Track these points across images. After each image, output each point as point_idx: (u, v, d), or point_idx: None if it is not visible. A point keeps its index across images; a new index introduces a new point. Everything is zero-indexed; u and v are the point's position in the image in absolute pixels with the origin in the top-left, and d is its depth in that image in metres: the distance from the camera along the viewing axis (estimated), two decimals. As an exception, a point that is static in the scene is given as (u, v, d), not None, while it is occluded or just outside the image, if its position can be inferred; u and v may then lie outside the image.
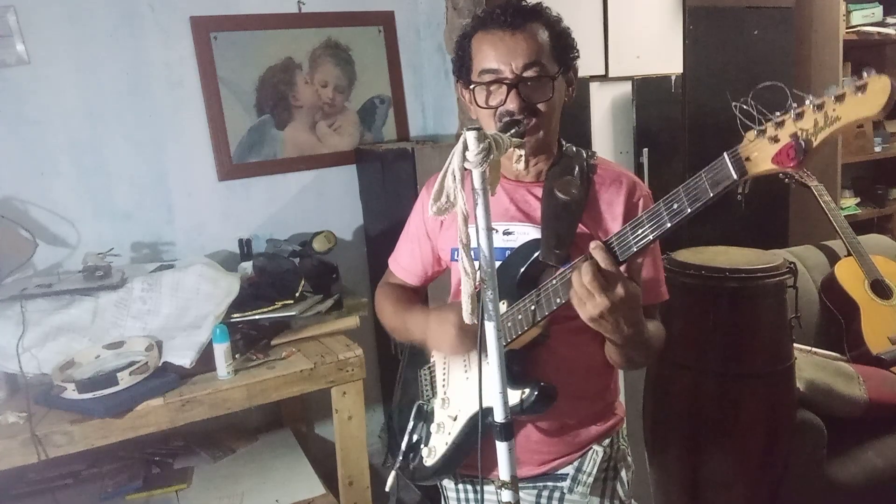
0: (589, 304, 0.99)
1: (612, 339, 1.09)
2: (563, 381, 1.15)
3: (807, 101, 0.81)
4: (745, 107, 0.86)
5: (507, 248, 1.21)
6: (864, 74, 0.76)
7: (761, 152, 0.85)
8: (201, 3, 2.44)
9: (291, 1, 2.59)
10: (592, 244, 1.01)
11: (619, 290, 0.98)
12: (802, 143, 0.81)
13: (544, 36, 1.19)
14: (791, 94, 0.82)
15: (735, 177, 0.88)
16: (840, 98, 0.77)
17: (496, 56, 1.17)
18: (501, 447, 0.96)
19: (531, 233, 1.22)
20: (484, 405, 1.01)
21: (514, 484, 0.96)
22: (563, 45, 1.22)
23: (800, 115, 0.81)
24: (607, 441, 1.30)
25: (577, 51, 1.25)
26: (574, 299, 1.01)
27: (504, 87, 1.17)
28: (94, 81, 2.33)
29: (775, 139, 0.83)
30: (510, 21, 1.17)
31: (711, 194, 0.90)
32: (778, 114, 0.84)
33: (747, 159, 0.87)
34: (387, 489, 1.32)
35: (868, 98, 0.75)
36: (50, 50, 2.25)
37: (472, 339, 1.16)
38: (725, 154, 0.89)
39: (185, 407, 1.87)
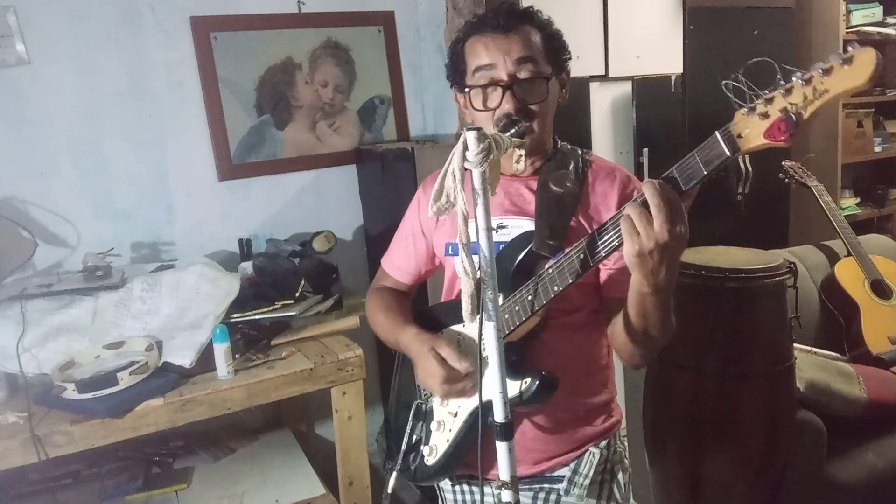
0: (645, 234, 0.92)
1: (645, 286, 1.00)
2: (560, 376, 1.15)
3: (794, 77, 0.83)
4: (735, 84, 0.87)
5: (501, 242, 1.21)
6: (850, 49, 0.78)
7: (752, 128, 0.87)
8: (201, 3, 2.44)
9: (291, 1, 2.59)
10: (657, 181, 0.94)
11: (681, 226, 0.93)
12: (793, 117, 0.83)
13: (537, 38, 1.20)
14: (780, 70, 0.84)
15: (728, 153, 0.89)
16: (827, 71, 0.80)
17: (489, 53, 1.18)
18: (501, 447, 0.96)
19: (524, 226, 1.22)
20: (485, 399, 1.01)
21: (514, 484, 0.96)
22: (555, 47, 1.23)
23: (788, 91, 0.83)
24: (604, 443, 1.30)
25: (570, 52, 1.26)
26: (627, 229, 0.94)
27: (499, 90, 1.17)
28: (94, 81, 2.32)
29: (765, 115, 0.85)
30: (502, 24, 1.18)
31: (705, 172, 0.91)
32: (766, 91, 0.85)
33: (739, 136, 0.88)
34: (388, 491, 1.31)
35: (855, 69, 0.78)
36: (50, 50, 2.25)
37: (459, 387, 1.18)
38: (717, 132, 0.90)
39: (185, 407, 1.87)
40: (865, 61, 0.77)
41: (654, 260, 0.94)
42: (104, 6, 2.30)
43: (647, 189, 0.93)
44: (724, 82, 0.87)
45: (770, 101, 0.85)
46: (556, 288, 1.08)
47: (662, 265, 0.95)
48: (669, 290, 1.01)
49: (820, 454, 1.97)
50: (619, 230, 0.97)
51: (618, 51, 2.91)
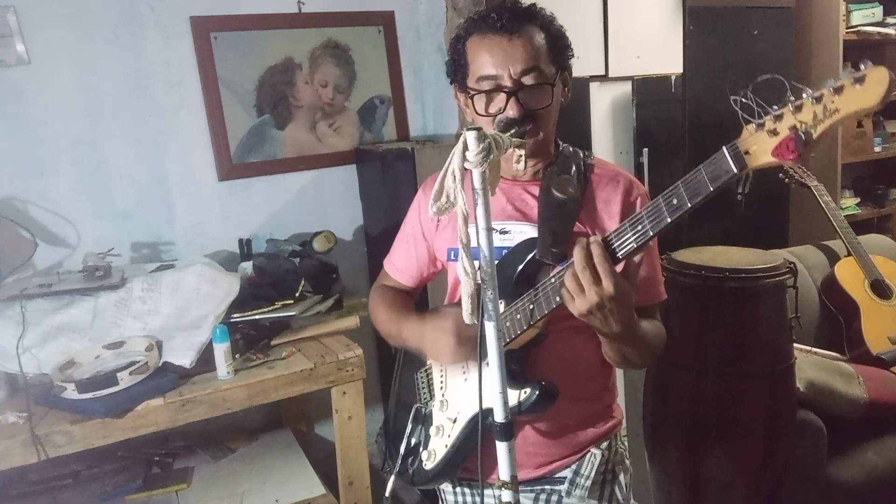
0: (578, 299, 1.00)
1: (604, 335, 1.10)
2: (561, 381, 1.15)
3: (805, 94, 0.81)
4: (744, 100, 0.86)
5: (504, 248, 1.21)
6: (862, 67, 0.76)
7: (761, 145, 0.85)
8: (201, 3, 2.44)
9: (291, 1, 2.59)
10: (591, 238, 1.00)
11: (609, 286, 0.98)
12: (802, 136, 0.81)
13: (540, 38, 1.18)
14: (790, 87, 0.82)
15: (735, 170, 0.87)
16: (839, 90, 0.77)
17: (494, 63, 1.16)
18: (501, 447, 0.96)
19: (528, 231, 1.21)
20: (484, 406, 1.01)
21: (515, 484, 0.96)
22: (559, 46, 1.21)
23: (798, 108, 0.81)
24: (605, 444, 1.30)
25: (572, 50, 1.24)
26: (564, 294, 1.02)
27: (503, 95, 1.16)
28: (94, 81, 2.32)
29: (774, 132, 0.83)
30: (506, 25, 1.16)
31: (711, 188, 0.90)
32: (776, 107, 0.83)
33: (746, 153, 0.87)
34: (386, 495, 1.31)
35: (867, 89, 0.75)
36: (50, 50, 2.25)
37: (469, 348, 1.16)
38: (724, 148, 0.89)
39: (185, 407, 1.87)
40: (878, 80, 0.74)
41: (598, 317, 1.01)
42: (104, 6, 2.30)
43: (575, 252, 0.99)
44: (732, 98, 0.86)
45: (779, 117, 0.83)
46: (557, 298, 1.07)
47: (610, 318, 1.02)
48: (627, 331, 1.06)
49: (820, 454, 1.97)
50: (623, 241, 0.99)
51: (618, 51, 2.91)
